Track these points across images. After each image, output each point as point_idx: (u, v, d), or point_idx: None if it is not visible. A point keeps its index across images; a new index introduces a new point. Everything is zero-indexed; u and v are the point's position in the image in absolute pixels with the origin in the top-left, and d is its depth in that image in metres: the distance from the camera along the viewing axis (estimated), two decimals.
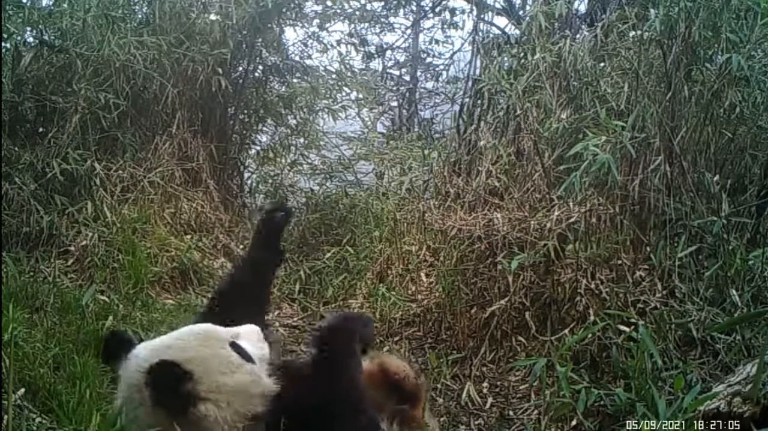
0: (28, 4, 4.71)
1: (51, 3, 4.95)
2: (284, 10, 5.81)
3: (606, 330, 3.16)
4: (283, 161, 6.31)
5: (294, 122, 6.24)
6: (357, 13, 8.01)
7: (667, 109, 3.56)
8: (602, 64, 4.14)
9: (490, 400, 3.35)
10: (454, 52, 8.71)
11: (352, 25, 8.27)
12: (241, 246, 5.09)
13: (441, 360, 3.60)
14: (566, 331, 3.35)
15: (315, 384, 1.88)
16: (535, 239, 3.59)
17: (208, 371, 1.75)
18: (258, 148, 6.31)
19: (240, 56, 5.72)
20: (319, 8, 6.53)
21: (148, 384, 1.70)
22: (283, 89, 6.14)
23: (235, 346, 1.86)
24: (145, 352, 1.82)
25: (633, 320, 3.11)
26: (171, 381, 1.70)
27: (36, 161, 4.42)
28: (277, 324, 4.27)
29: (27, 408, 2.51)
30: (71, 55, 4.62)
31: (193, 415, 1.70)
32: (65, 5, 4.82)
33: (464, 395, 3.34)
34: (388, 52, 9.33)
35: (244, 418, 1.77)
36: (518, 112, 4.15)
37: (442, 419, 3.11)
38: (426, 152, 5.75)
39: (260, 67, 6.02)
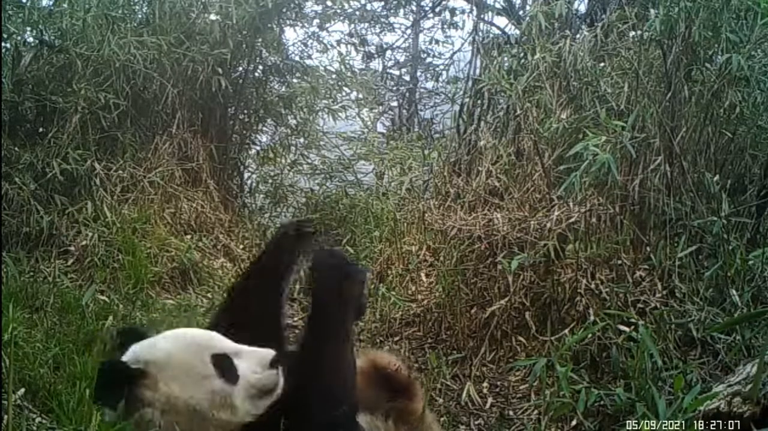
0: (28, 4, 4.70)
1: (51, 3, 4.95)
2: (284, 10, 5.81)
3: (606, 330, 3.16)
4: (283, 161, 6.31)
5: (294, 122, 6.24)
6: (357, 13, 8.03)
7: (667, 109, 3.56)
8: (602, 64, 4.14)
9: (490, 400, 3.35)
10: (454, 52, 8.72)
11: (352, 25, 8.29)
12: (241, 246, 5.09)
13: (441, 360, 3.60)
14: (566, 331, 3.35)
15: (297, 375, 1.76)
16: (535, 239, 3.59)
17: (167, 376, 1.64)
18: (258, 148, 6.31)
19: (240, 56, 5.71)
20: (319, 8, 6.53)
21: (98, 380, 1.63)
22: (283, 89, 6.13)
23: (219, 359, 1.70)
24: (134, 347, 1.74)
25: (633, 320, 3.11)
26: (116, 381, 1.61)
27: (36, 161, 4.42)
28: None
29: (27, 408, 2.51)
30: (71, 55, 4.62)
31: (137, 418, 1.61)
32: (65, 5, 4.82)
33: (464, 395, 3.33)
34: (388, 52, 9.35)
35: None
36: (518, 112, 4.15)
37: (442, 419, 3.10)
38: (426, 152, 5.75)
39: (260, 67, 6.01)
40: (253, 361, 1.73)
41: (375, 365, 2.21)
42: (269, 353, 1.75)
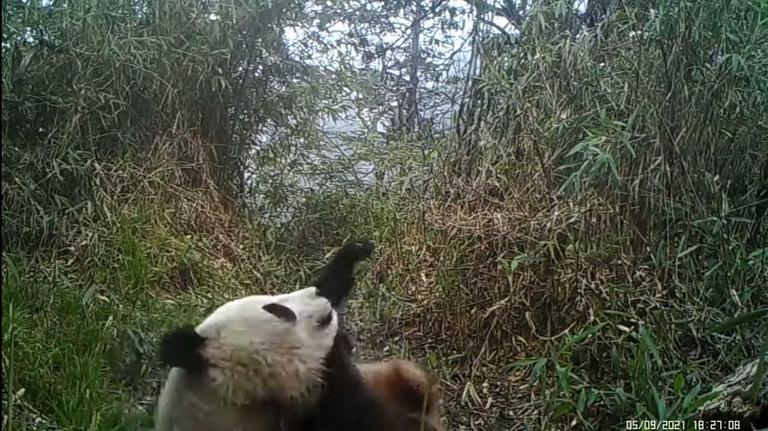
0: (28, 4, 4.70)
1: (51, 3, 4.94)
2: (284, 10, 5.80)
3: (606, 330, 3.16)
4: (283, 161, 6.31)
5: (294, 122, 6.23)
6: (357, 13, 8.03)
7: (667, 109, 3.56)
8: (602, 64, 4.14)
9: (490, 400, 3.35)
10: (454, 52, 8.72)
11: (352, 25, 8.30)
12: (241, 246, 5.09)
13: (441, 360, 3.60)
14: (566, 331, 3.35)
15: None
16: (535, 239, 3.59)
17: (226, 335, 1.70)
18: (258, 148, 6.31)
19: (240, 56, 5.71)
20: (319, 8, 6.53)
21: (163, 352, 1.73)
22: (283, 89, 6.13)
23: (271, 307, 1.76)
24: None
25: (633, 320, 3.11)
26: (180, 347, 1.69)
27: (36, 161, 4.41)
28: None
29: (27, 408, 2.51)
30: (71, 55, 4.62)
31: (205, 381, 1.65)
32: (65, 5, 4.81)
33: (464, 395, 3.34)
34: (388, 52, 9.35)
35: (265, 386, 1.66)
36: (518, 112, 4.15)
37: (442, 419, 3.11)
38: (426, 152, 5.75)
39: (260, 67, 6.01)
40: (301, 299, 1.81)
41: (400, 376, 2.21)
42: (311, 288, 1.85)
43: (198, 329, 1.77)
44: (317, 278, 2.52)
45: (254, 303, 1.81)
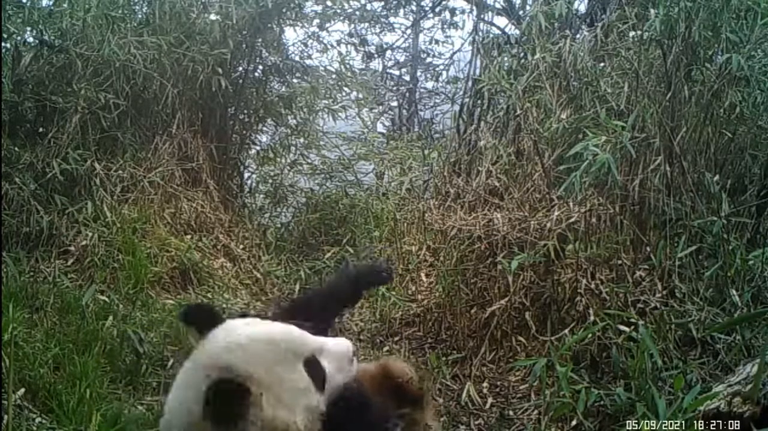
0: (28, 4, 4.70)
1: (51, 3, 4.95)
2: (284, 10, 5.80)
3: (606, 330, 3.16)
4: (283, 161, 6.31)
5: (294, 122, 6.23)
6: (357, 13, 8.02)
7: (667, 109, 3.56)
8: (602, 64, 4.14)
9: (490, 400, 3.36)
10: (454, 52, 8.73)
11: (352, 25, 8.29)
12: (241, 246, 5.09)
13: (441, 360, 3.60)
14: (566, 331, 3.35)
15: None
16: (535, 239, 3.59)
17: (271, 396, 1.54)
18: (258, 148, 6.31)
19: (240, 56, 5.71)
20: (319, 8, 6.52)
21: (209, 403, 1.50)
22: (283, 89, 6.13)
23: (310, 366, 1.61)
24: (215, 347, 1.60)
25: (633, 320, 3.11)
26: (231, 403, 1.50)
27: (36, 161, 4.41)
28: None
29: (27, 408, 2.51)
30: (71, 55, 4.62)
31: (233, 427, 1.50)
32: (65, 5, 4.82)
33: (464, 395, 3.34)
34: (388, 52, 9.35)
35: None
36: (518, 112, 4.15)
37: (442, 419, 3.11)
38: (426, 152, 5.75)
39: (260, 67, 6.01)
40: (336, 360, 1.69)
41: (387, 373, 2.21)
42: (349, 348, 1.71)
43: (234, 371, 1.54)
44: (331, 280, 2.52)
45: (296, 356, 1.62)
